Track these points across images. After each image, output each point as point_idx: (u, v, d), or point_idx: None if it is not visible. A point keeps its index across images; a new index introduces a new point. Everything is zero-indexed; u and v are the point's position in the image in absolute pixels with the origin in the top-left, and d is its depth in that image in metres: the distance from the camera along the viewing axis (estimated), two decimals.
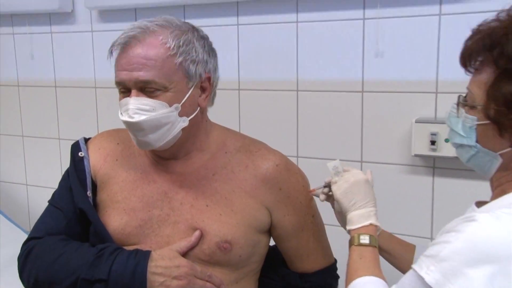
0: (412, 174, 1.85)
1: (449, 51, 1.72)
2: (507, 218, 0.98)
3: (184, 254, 1.27)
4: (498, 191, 1.10)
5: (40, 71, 2.49)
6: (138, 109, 1.21)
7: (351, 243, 1.21)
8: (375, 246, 1.19)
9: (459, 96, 1.13)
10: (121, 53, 1.25)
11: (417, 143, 1.78)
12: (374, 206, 1.25)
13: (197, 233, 1.27)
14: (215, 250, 1.27)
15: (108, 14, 2.29)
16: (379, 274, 1.13)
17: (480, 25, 1.09)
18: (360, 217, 1.22)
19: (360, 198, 1.24)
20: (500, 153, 1.07)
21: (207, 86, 1.30)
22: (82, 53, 2.37)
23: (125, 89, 1.25)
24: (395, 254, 1.37)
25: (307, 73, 1.95)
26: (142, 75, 1.21)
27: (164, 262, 1.22)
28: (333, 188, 1.29)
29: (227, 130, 1.42)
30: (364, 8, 1.83)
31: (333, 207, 1.35)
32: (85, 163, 1.39)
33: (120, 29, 1.28)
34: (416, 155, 1.80)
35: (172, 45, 1.23)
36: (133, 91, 1.23)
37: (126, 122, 1.24)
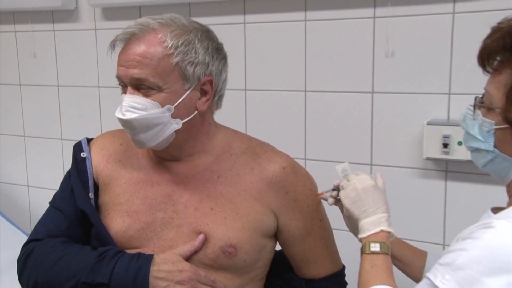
0: (423, 178, 1.84)
1: (463, 50, 1.72)
2: None
3: (188, 259, 1.26)
4: None
5: (42, 70, 2.50)
6: (131, 106, 1.22)
7: (362, 251, 1.19)
8: (387, 253, 1.16)
9: (475, 98, 1.12)
10: (122, 49, 1.26)
11: (429, 146, 1.77)
12: (386, 212, 1.23)
13: (201, 237, 1.27)
14: (220, 254, 1.27)
15: (112, 12, 2.29)
16: (391, 283, 1.11)
17: (500, 23, 1.07)
18: (371, 224, 1.20)
19: (369, 205, 1.22)
20: None
21: (208, 89, 1.29)
22: (85, 51, 2.38)
23: (124, 85, 1.27)
24: (406, 261, 1.35)
25: (315, 73, 1.95)
26: (136, 72, 1.22)
27: (167, 266, 1.22)
28: (341, 196, 1.28)
29: (233, 132, 1.41)
30: (374, 6, 1.82)
31: (341, 211, 1.33)
32: (87, 164, 1.39)
33: (124, 27, 1.29)
34: (427, 159, 1.79)
35: (170, 45, 1.23)
36: (129, 88, 1.24)
37: (118, 119, 1.26)
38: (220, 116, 1.39)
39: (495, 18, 1.08)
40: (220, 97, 1.35)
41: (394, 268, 1.24)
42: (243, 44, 2.04)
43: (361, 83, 1.87)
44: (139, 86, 1.23)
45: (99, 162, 1.40)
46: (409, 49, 1.79)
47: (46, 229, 1.35)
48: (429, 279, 0.99)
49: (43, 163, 2.58)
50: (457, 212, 1.80)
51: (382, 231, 1.19)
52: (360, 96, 1.88)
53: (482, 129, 1.08)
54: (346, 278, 1.45)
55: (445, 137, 1.72)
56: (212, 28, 1.34)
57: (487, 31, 1.10)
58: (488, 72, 1.08)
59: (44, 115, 2.54)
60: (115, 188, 1.36)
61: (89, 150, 1.41)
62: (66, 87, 2.46)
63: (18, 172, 2.66)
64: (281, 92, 2.01)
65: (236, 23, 2.04)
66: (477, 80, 1.12)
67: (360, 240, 1.21)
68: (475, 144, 1.10)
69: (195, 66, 1.25)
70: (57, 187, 1.42)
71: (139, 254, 1.24)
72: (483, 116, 1.08)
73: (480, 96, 1.11)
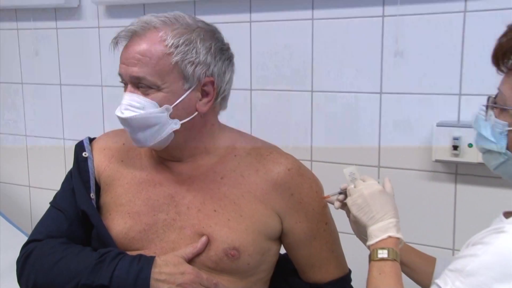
0: (432, 180, 1.82)
1: (474, 50, 1.70)
2: None
3: (190, 261, 1.25)
4: None
5: (44, 68, 2.49)
6: (129, 105, 1.23)
7: (370, 258, 1.18)
8: (396, 260, 1.15)
9: (488, 98, 1.11)
10: (124, 47, 1.26)
11: (439, 148, 1.76)
12: (394, 217, 1.21)
13: (203, 239, 1.26)
14: (222, 257, 1.26)
15: (115, 9, 2.29)
16: None
17: None
18: (378, 230, 1.19)
19: (377, 211, 1.21)
20: None
21: (209, 90, 1.28)
22: (88, 50, 2.37)
23: (125, 83, 1.27)
24: (415, 267, 1.35)
25: (322, 73, 1.94)
26: (135, 70, 1.22)
27: (168, 269, 1.22)
28: (348, 203, 1.27)
29: (238, 133, 1.41)
30: (383, 5, 1.81)
31: (348, 216, 1.32)
32: (89, 164, 1.39)
33: (127, 25, 1.29)
34: (437, 161, 1.78)
35: (170, 43, 1.22)
36: (129, 86, 1.25)
37: (117, 117, 1.26)
38: (224, 116, 1.38)
39: (508, 17, 1.07)
40: (224, 98, 1.33)
41: (403, 275, 1.22)
42: (248, 43, 2.04)
43: (369, 83, 1.86)
44: (138, 84, 1.23)
45: (101, 162, 1.40)
46: (419, 48, 1.78)
47: (46, 230, 1.35)
48: (438, 285, 0.99)
49: (45, 163, 2.58)
50: (467, 216, 1.79)
51: (390, 237, 1.17)
52: (368, 96, 1.87)
53: (495, 130, 1.07)
54: (353, 283, 1.44)
55: (455, 139, 1.71)
56: (217, 26, 1.33)
57: (499, 30, 1.08)
58: (502, 71, 1.07)
59: (46, 114, 2.53)
60: (116, 189, 1.35)
61: (91, 150, 1.41)
62: (69, 85, 2.45)
63: (19, 172, 2.67)
64: (287, 92, 2.00)
65: (242, 21, 2.04)
66: (489, 81, 1.11)
67: (369, 247, 1.20)
68: (487, 146, 1.09)
69: (196, 66, 1.24)
70: (59, 187, 1.42)
71: (140, 256, 1.24)
72: (496, 117, 1.07)
73: (493, 96, 1.09)
